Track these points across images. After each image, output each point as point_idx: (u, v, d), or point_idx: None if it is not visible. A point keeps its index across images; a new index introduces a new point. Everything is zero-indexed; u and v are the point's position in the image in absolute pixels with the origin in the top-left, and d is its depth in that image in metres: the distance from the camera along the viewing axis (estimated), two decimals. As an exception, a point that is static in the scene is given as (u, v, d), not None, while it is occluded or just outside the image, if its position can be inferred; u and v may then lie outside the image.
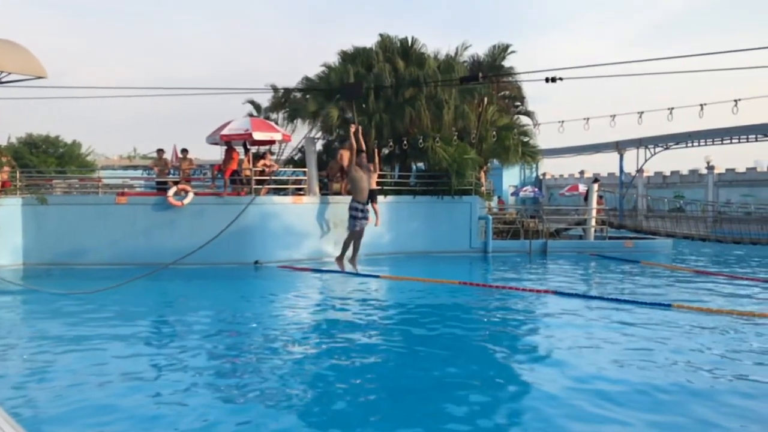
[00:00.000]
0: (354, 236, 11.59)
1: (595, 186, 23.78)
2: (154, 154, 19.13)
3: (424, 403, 6.62)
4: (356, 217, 10.40)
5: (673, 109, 25.67)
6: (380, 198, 18.99)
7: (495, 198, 29.27)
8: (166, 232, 16.79)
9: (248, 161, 18.76)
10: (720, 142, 27.61)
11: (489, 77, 21.12)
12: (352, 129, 9.53)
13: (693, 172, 36.24)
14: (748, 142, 26.88)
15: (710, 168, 34.73)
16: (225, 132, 17.96)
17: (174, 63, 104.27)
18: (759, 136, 26.29)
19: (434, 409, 6.37)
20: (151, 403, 6.43)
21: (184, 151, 18.56)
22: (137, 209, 16.92)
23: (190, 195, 16.88)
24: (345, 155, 19.49)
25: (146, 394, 6.69)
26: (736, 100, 23.60)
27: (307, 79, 22.76)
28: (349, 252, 13.00)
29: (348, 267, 13.06)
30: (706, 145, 28.24)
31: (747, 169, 33.84)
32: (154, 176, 19.18)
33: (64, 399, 6.49)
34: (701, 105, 25.12)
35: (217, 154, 23.16)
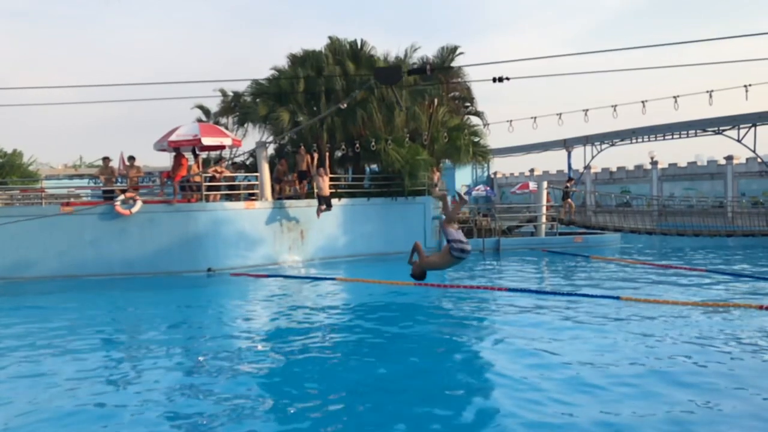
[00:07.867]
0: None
1: (545, 184, 24.33)
2: (101, 163, 18.60)
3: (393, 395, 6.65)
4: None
5: (616, 106, 26.55)
6: (334, 201, 18.94)
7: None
8: (114, 241, 16.37)
9: (198, 167, 18.43)
10: (662, 138, 28.59)
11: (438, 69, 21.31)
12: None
13: (638, 167, 37.30)
14: (688, 137, 27.90)
15: (654, 163, 35.82)
16: (173, 138, 17.63)
17: (119, 67, 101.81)
18: (698, 131, 27.33)
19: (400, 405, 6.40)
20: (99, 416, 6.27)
21: (131, 158, 18.10)
22: (84, 219, 16.41)
23: (139, 203, 16.49)
24: (304, 159, 19.30)
25: (96, 407, 6.51)
26: (675, 97, 24.58)
27: (256, 83, 22.55)
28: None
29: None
30: (649, 140, 29.21)
31: (688, 163, 35.03)
32: (101, 185, 18.65)
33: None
34: (643, 102, 26.10)
35: (165, 160, 22.71)
